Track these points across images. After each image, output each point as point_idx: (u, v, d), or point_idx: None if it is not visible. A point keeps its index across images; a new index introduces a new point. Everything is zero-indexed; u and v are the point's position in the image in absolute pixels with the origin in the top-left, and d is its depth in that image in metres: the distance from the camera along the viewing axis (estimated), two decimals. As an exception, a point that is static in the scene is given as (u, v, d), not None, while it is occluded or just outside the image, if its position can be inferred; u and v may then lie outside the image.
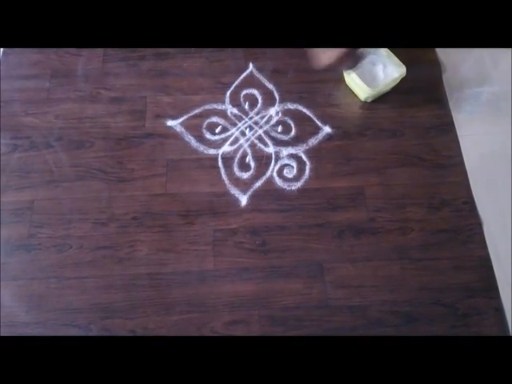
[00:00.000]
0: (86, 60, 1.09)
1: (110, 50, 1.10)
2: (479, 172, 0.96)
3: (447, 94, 1.06)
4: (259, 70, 1.08)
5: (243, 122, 1.02)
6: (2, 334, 0.80)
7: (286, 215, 0.92)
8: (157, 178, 0.95)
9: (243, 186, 0.94)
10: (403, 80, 1.01)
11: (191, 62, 1.08)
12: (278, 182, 0.95)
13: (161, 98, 1.04)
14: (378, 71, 1.03)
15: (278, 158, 0.98)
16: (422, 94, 1.05)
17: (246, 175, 0.96)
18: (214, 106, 1.03)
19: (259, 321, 0.83)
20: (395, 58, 1.01)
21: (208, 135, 1.00)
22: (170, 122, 1.01)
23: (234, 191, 0.94)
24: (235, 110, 1.03)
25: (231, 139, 1.00)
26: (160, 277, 0.86)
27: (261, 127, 1.01)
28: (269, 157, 0.98)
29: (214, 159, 0.97)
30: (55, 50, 1.09)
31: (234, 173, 0.96)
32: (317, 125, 1.01)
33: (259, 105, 1.04)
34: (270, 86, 1.06)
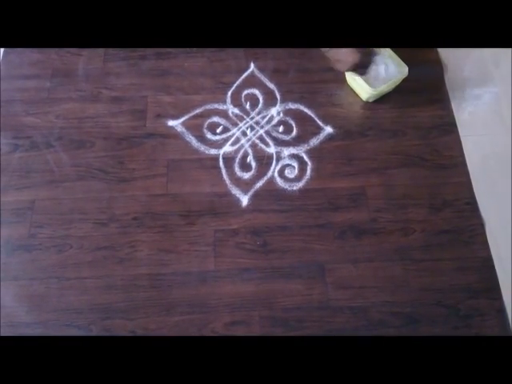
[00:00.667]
0: (86, 60, 1.08)
1: (110, 50, 1.09)
2: (481, 173, 0.96)
3: (449, 94, 1.06)
4: (260, 69, 1.08)
5: (244, 121, 1.01)
6: (3, 334, 0.80)
7: (287, 215, 0.91)
8: (157, 178, 0.95)
9: (244, 186, 0.94)
10: (405, 80, 1.01)
11: (192, 61, 1.08)
12: (280, 182, 0.95)
13: (162, 98, 1.03)
14: (380, 71, 1.03)
15: (279, 158, 0.97)
16: (424, 95, 1.05)
17: (247, 175, 0.95)
18: (215, 105, 1.03)
19: (260, 321, 0.82)
20: (397, 59, 1.01)
21: (209, 135, 0.99)
22: (170, 122, 1.01)
23: (235, 191, 0.93)
24: (236, 110, 1.03)
25: (232, 139, 0.99)
26: (161, 277, 0.86)
27: (262, 127, 1.01)
28: (270, 157, 0.97)
29: (215, 159, 0.97)
30: (56, 49, 1.09)
31: (235, 173, 0.95)
32: (318, 125, 1.01)
33: (260, 105, 1.03)
34: (272, 86, 1.06)
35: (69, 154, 0.97)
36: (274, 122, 1.02)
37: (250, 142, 0.99)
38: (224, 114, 1.02)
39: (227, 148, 0.98)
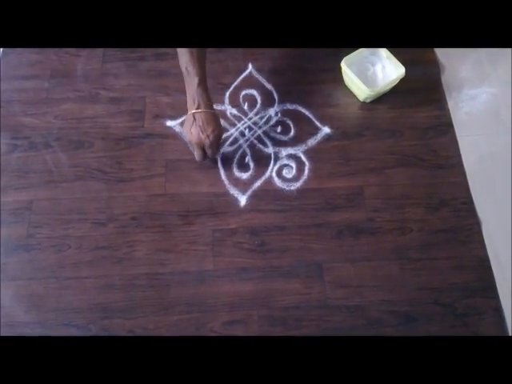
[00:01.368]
0: (85, 60, 1.09)
1: (109, 51, 1.10)
2: (478, 172, 0.97)
3: (446, 94, 1.06)
4: (258, 70, 1.08)
5: (242, 122, 1.02)
6: (1, 334, 0.80)
7: (285, 215, 0.92)
8: (156, 178, 0.95)
9: (242, 186, 0.95)
10: (402, 81, 1.01)
11: (190, 62, 1.08)
12: (277, 182, 0.95)
13: (160, 99, 1.04)
14: (377, 72, 1.04)
15: (277, 159, 0.98)
16: (421, 95, 1.05)
17: (245, 175, 0.96)
18: (213, 106, 1.03)
19: (258, 321, 0.83)
20: (394, 59, 1.02)
21: (207, 135, 1.00)
22: (169, 123, 1.01)
23: (234, 191, 0.94)
24: (234, 111, 1.03)
25: (230, 139, 1.00)
26: (159, 277, 0.86)
27: (260, 127, 1.01)
28: (268, 157, 0.98)
29: (214, 159, 0.97)
30: (55, 50, 1.09)
31: (234, 173, 0.96)
32: (316, 125, 1.01)
33: (258, 105, 1.04)
34: (269, 87, 1.06)
35: (67, 155, 0.97)
36: (272, 122, 1.02)
37: (248, 143, 0.99)
38: (222, 115, 1.02)
39: (225, 148, 0.99)
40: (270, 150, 0.99)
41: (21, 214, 0.91)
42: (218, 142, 0.91)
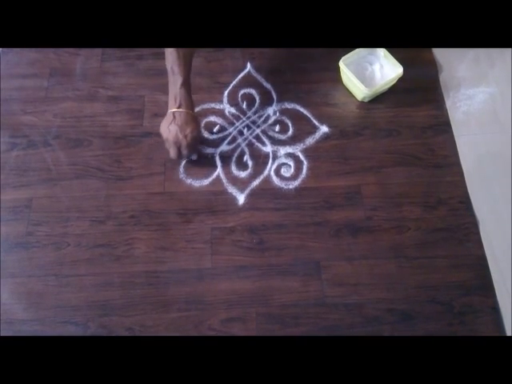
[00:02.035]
0: (84, 59, 1.09)
1: (108, 50, 1.10)
2: (475, 171, 0.97)
3: (444, 94, 1.07)
4: (257, 69, 1.09)
5: (241, 121, 1.02)
6: (0, 331, 0.80)
7: (284, 214, 0.92)
8: (155, 176, 0.95)
9: (241, 184, 0.95)
10: (400, 80, 1.02)
11: (189, 61, 1.08)
12: (276, 180, 0.95)
13: (159, 97, 1.04)
14: (375, 71, 1.04)
15: (275, 157, 0.98)
16: (419, 94, 1.06)
17: (243, 174, 0.96)
18: (212, 105, 1.04)
19: (256, 318, 0.83)
20: (392, 59, 1.02)
21: (206, 134, 1.00)
22: (168, 121, 1.01)
23: (232, 190, 0.94)
24: (233, 110, 1.03)
25: (229, 138, 1.00)
26: (157, 275, 0.86)
27: (258, 126, 1.01)
28: (266, 156, 0.98)
29: (212, 159, 0.97)
30: (54, 49, 1.10)
31: (232, 171, 0.96)
32: (314, 124, 1.02)
33: (257, 104, 1.04)
34: (268, 86, 1.06)
35: (66, 153, 0.97)
36: (271, 121, 1.02)
37: (246, 141, 1.00)
38: (221, 114, 1.02)
39: (224, 147, 0.99)
40: (269, 148, 0.99)
41: (20, 212, 0.91)
42: (194, 143, 0.91)
